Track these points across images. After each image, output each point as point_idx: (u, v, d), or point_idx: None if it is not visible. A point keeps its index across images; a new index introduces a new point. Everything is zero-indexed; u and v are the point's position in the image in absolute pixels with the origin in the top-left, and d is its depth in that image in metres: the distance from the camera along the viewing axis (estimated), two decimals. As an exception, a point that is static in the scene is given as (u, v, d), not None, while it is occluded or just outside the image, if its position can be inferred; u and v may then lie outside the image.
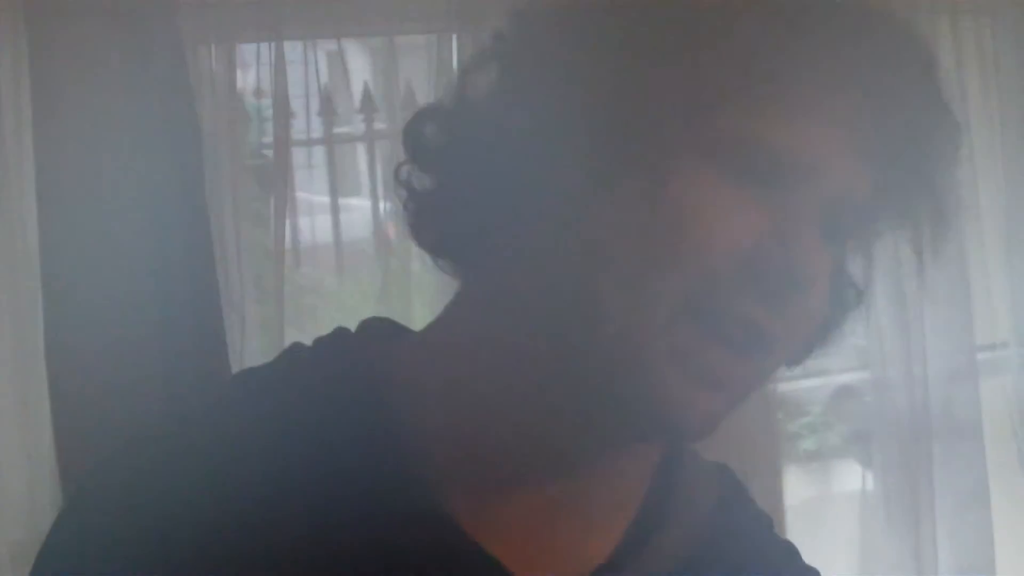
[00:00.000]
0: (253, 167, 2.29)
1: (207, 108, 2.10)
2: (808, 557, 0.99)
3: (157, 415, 1.55)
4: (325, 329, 0.95)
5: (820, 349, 0.91)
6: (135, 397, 1.91)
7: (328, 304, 2.45)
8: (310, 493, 0.83)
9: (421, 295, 2.17)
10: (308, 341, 0.94)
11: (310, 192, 2.30)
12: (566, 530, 0.88)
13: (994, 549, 2.61)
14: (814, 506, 2.67)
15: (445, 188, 0.87)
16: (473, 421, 0.85)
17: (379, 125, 2.27)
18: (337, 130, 2.25)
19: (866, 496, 2.58)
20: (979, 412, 2.60)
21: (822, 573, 0.98)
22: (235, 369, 2.01)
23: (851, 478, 2.64)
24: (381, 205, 2.23)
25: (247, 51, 2.19)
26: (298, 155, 2.24)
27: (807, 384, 2.59)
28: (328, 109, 2.22)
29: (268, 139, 2.23)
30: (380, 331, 0.95)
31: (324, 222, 2.26)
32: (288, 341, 0.98)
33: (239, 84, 2.18)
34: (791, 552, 1.00)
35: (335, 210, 2.23)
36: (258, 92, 2.25)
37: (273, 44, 2.14)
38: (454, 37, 2.16)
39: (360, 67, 2.38)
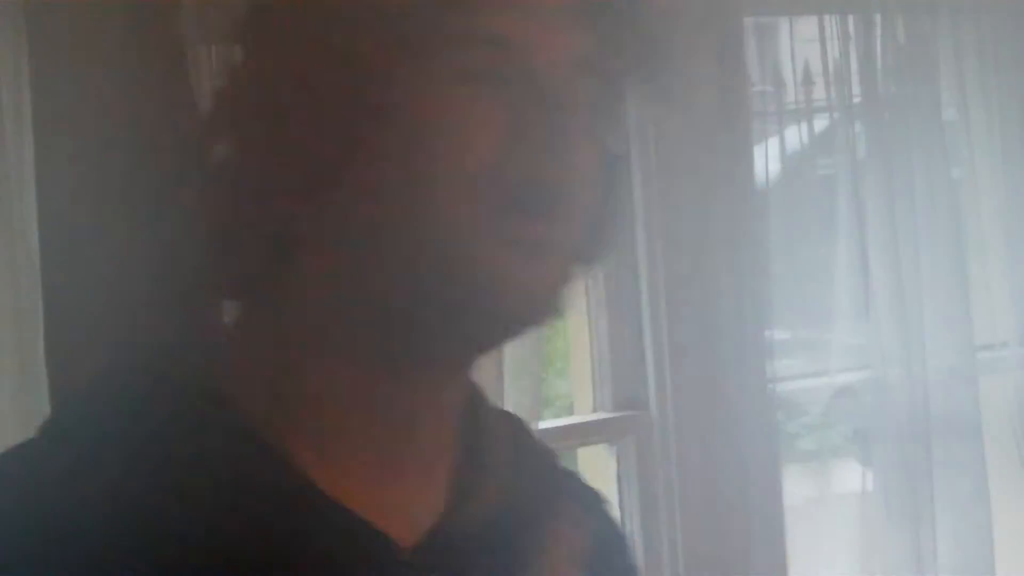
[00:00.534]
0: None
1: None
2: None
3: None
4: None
5: (608, 213, 0.96)
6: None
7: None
8: (176, 487, 0.85)
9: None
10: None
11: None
12: (407, 480, 0.92)
13: (994, 549, 2.61)
14: (814, 506, 2.67)
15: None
16: (305, 384, 0.90)
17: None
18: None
19: (866, 496, 2.57)
20: (979, 412, 2.60)
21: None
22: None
23: (851, 478, 2.64)
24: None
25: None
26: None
27: (807, 384, 2.59)
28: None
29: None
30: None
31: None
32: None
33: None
34: (574, 477, 1.09)
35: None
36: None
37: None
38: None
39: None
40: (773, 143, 2.49)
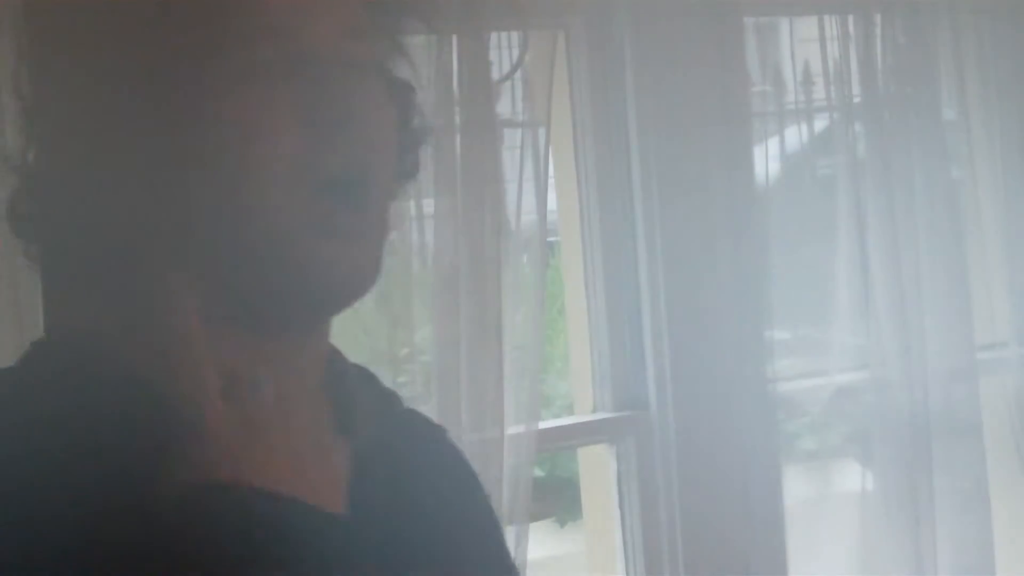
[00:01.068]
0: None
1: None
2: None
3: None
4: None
5: (411, 155, 1.02)
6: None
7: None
8: (89, 473, 0.86)
9: (421, 295, 2.18)
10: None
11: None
12: (312, 447, 0.96)
13: (994, 549, 2.61)
14: (814, 506, 2.67)
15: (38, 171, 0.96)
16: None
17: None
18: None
19: (866, 496, 2.58)
20: (979, 412, 2.60)
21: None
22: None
23: (851, 478, 2.64)
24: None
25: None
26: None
27: (807, 384, 2.59)
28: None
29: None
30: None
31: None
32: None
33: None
34: (417, 414, 1.15)
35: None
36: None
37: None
38: (454, 37, 2.16)
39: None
40: (773, 143, 2.50)
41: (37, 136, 0.98)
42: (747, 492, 2.42)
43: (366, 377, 1.10)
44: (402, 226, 2.10)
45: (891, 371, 2.52)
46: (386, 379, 1.15)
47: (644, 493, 2.39)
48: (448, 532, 1.04)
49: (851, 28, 2.49)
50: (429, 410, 2.00)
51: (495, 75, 2.21)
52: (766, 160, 2.47)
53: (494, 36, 2.21)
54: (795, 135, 2.54)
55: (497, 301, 2.15)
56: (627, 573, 2.40)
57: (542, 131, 2.25)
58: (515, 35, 2.24)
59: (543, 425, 2.32)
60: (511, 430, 2.18)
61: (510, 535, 2.10)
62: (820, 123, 2.56)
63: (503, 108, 2.23)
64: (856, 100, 2.51)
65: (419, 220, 2.15)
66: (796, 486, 2.61)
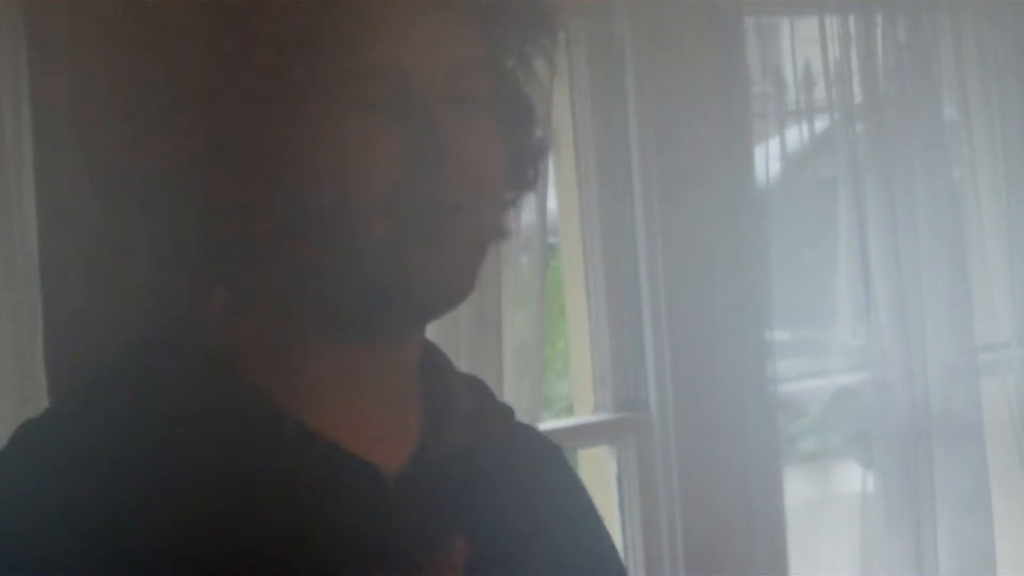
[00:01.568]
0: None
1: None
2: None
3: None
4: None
5: (531, 168, 1.11)
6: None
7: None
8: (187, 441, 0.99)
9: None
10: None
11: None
12: (381, 421, 1.06)
13: (994, 549, 2.60)
14: (814, 507, 2.67)
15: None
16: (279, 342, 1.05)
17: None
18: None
19: (866, 497, 2.57)
20: (979, 412, 2.60)
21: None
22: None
23: (851, 479, 2.64)
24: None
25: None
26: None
27: (807, 385, 2.59)
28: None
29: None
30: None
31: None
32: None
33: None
34: (533, 429, 1.26)
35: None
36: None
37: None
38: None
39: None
40: (773, 143, 2.49)
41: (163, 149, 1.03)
42: (747, 493, 2.41)
43: (475, 383, 1.19)
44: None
45: (892, 372, 2.52)
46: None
47: (644, 494, 2.38)
48: (549, 544, 1.11)
49: (852, 28, 2.49)
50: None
51: (495, 75, 2.21)
52: (766, 160, 2.46)
53: (494, 36, 2.20)
54: (795, 135, 2.54)
55: (497, 301, 2.15)
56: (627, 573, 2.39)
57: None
58: (515, 35, 2.24)
59: (543, 426, 2.31)
60: (511, 430, 2.18)
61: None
62: (820, 123, 2.56)
63: (503, 108, 2.23)
64: (857, 100, 2.50)
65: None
66: (797, 487, 2.61)
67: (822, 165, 2.62)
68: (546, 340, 2.33)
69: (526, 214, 2.23)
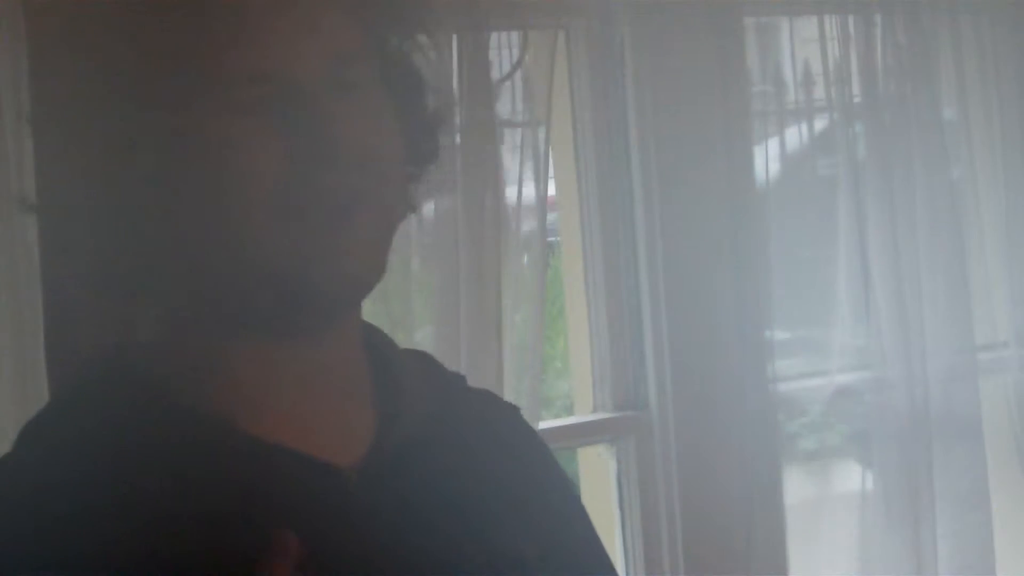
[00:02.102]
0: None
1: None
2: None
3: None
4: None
5: (430, 139, 1.12)
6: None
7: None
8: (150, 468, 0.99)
9: (421, 295, 2.18)
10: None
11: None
12: (331, 416, 1.05)
13: (994, 549, 2.61)
14: (814, 506, 2.67)
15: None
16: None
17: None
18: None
19: (866, 496, 2.58)
20: (979, 412, 2.60)
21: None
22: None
23: (851, 478, 2.64)
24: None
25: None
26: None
27: (807, 384, 2.59)
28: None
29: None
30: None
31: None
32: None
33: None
34: (489, 393, 1.23)
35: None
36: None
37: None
38: (454, 37, 2.16)
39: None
40: (773, 143, 2.50)
41: (41, 165, 1.08)
42: (747, 492, 2.42)
43: (424, 359, 1.18)
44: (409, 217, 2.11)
45: (891, 371, 2.52)
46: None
47: (644, 493, 2.39)
48: (516, 504, 1.10)
49: (851, 28, 2.49)
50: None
51: (495, 75, 2.21)
52: (766, 160, 2.47)
53: (494, 36, 2.21)
54: (795, 135, 2.54)
55: (497, 301, 2.16)
56: (627, 573, 2.40)
57: (542, 131, 2.25)
58: (515, 35, 2.24)
59: (543, 425, 2.31)
60: (511, 430, 2.18)
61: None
62: (820, 123, 2.56)
63: (503, 108, 2.23)
64: (856, 100, 2.51)
65: (419, 220, 2.15)
66: (796, 486, 2.61)
67: (822, 165, 2.62)
68: (546, 340, 2.33)
69: (526, 214, 2.24)
